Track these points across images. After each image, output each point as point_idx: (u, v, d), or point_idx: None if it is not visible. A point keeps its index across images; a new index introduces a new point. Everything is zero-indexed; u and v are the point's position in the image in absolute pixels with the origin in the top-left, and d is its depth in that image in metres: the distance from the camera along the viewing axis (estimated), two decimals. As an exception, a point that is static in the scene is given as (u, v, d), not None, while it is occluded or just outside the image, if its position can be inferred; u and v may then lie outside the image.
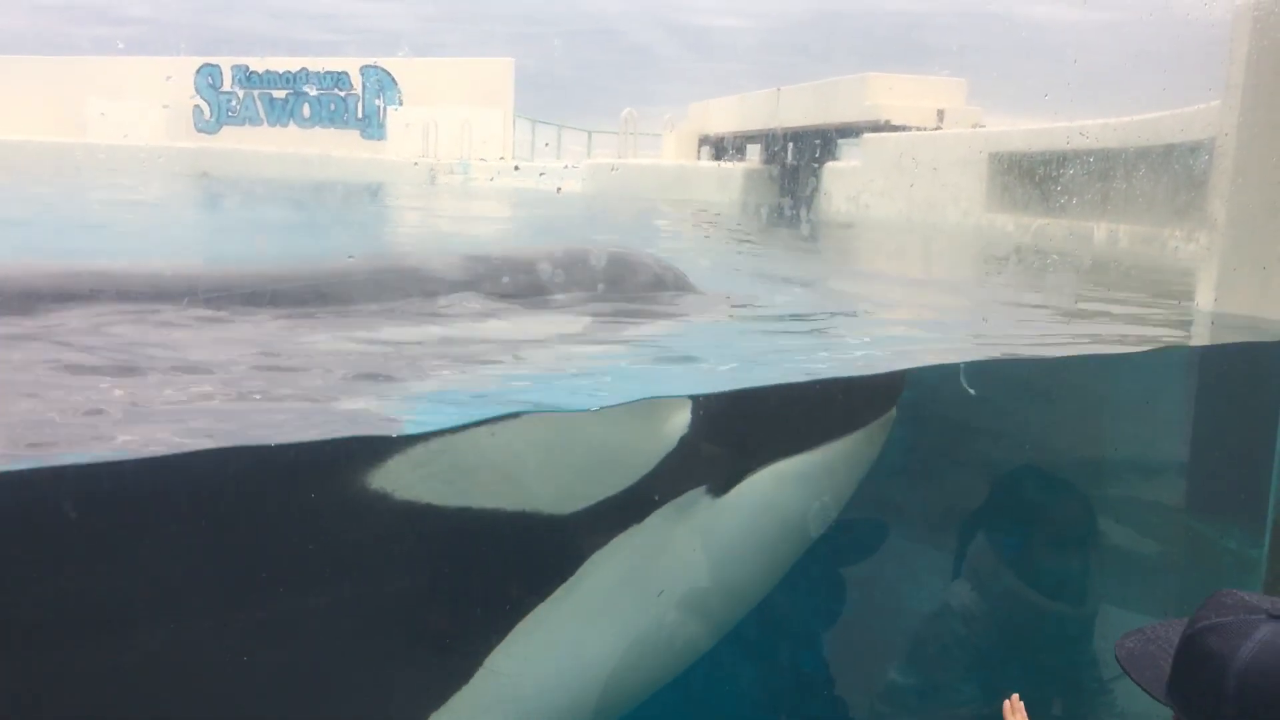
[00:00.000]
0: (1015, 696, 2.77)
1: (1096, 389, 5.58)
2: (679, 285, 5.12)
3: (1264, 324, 4.81)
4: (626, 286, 4.84)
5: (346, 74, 28.91)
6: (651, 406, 3.70)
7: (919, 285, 7.21)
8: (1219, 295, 4.94)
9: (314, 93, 29.10)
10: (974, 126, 13.08)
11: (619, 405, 3.64)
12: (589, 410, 3.58)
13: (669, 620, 3.91)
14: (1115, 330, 5.38)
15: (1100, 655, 5.23)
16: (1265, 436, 4.79)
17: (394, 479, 3.23)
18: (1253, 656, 2.10)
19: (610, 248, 5.34)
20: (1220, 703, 2.11)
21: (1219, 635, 2.16)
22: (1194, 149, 5.29)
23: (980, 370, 4.92)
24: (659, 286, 4.98)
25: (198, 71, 28.66)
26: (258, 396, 3.51)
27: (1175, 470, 5.58)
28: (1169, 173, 5.75)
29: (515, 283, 4.65)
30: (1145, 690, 2.28)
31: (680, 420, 3.69)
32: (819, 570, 4.86)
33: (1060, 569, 5.32)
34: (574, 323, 4.50)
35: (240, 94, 29.29)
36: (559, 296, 4.63)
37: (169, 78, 25.76)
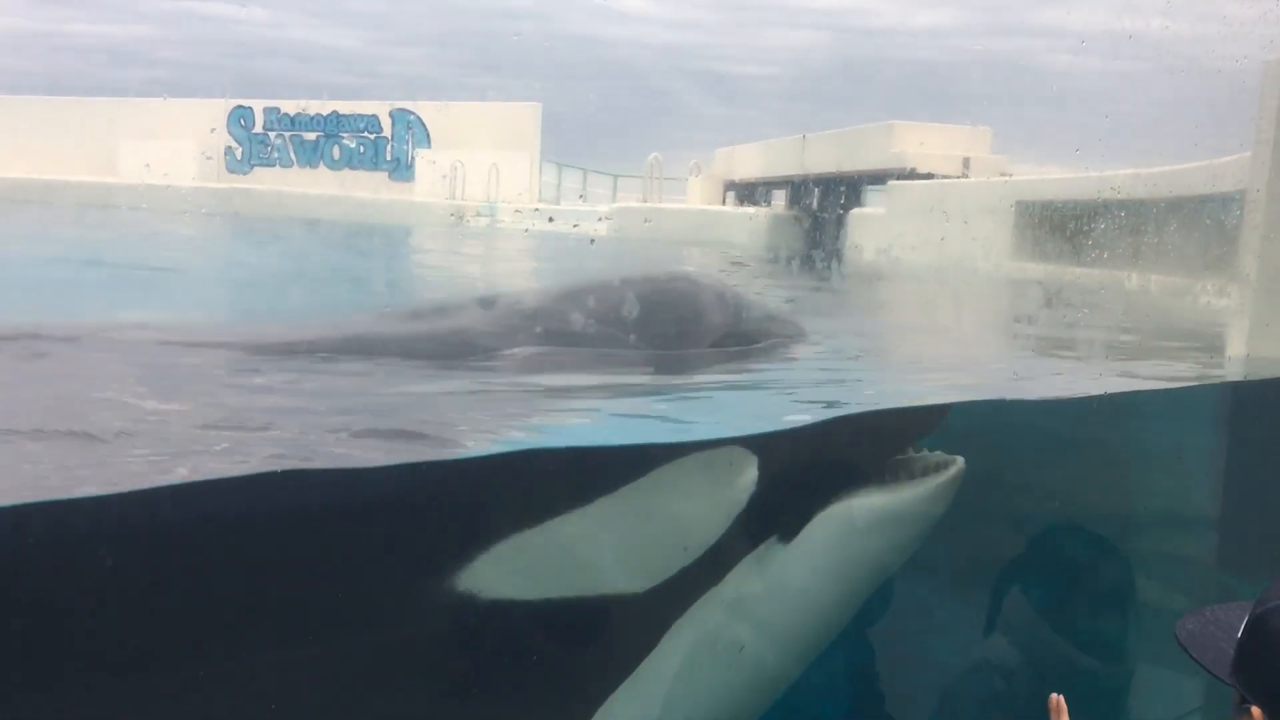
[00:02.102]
0: (1059, 697, 2.75)
1: (1125, 441, 5.55)
2: (746, 312, 5.07)
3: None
4: (698, 316, 4.77)
5: (376, 117, 29.29)
6: (720, 464, 3.70)
7: (947, 335, 7.20)
8: (1250, 351, 4.91)
9: (344, 135, 29.49)
10: (999, 175, 13.10)
11: (692, 462, 3.65)
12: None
13: (751, 673, 3.91)
14: (1146, 379, 5.35)
15: (1131, 713, 5.16)
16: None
17: (476, 577, 3.27)
18: None
19: (680, 277, 5.33)
20: None
21: None
22: (1225, 202, 5.27)
23: (1009, 418, 4.91)
24: (726, 311, 4.88)
25: (230, 113, 29.12)
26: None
27: (1206, 524, 5.52)
28: (1200, 226, 5.74)
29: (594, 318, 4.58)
30: (1207, 670, 2.28)
31: (749, 475, 3.69)
32: (845, 625, 4.82)
33: (1088, 624, 5.26)
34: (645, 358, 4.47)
35: (272, 136, 29.73)
36: (632, 331, 4.54)
37: (213, 130, 26.21)
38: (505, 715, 3.40)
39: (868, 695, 5.23)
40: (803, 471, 3.96)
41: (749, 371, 4.72)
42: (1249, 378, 4.98)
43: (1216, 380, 5.28)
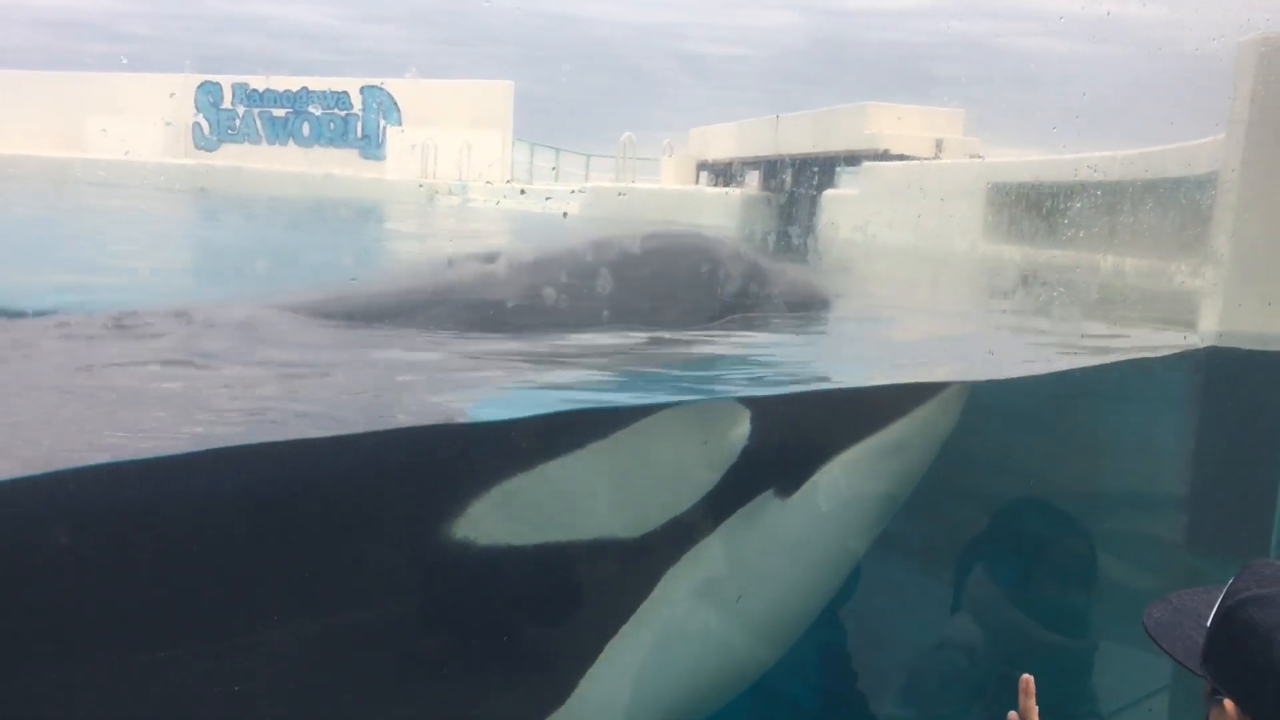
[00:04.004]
0: (1029, 678, 2.73)
1: (1095, 422, 5.57)
2: (749, 264, 4.91)
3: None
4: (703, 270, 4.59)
5: (347, 94, 28.98)
6: (712, 415, 3.68)
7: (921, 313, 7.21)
8: (1223, 331, 4.93)
9: (314, 112, 29.17)
10: (972, 157, 13.10)
11: (682, 409, 3.64)
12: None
13: (749, 625, 3.91)
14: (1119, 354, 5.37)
15: (1098, 691, 5.20)
16: (1268, 474, 4.77)
17: (475, 522, 3.26)
18: None
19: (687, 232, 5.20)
20: (1264, 676, 2.07)
21: (1262, 607, 2.12)
22: (1200, 183, 5.29)
23: (980, 398, 4.91)
24: (735, 266, 4.68)
25: (198, 88, 28.71)
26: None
27: (1175, 505, 5.56)
28: (1175, 207, 5.75)
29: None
30: (1178, 661, 2.26)
31: (742, 426, 3.67)
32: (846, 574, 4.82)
33: (1056, 604, 5.29)
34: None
35: (240, 112, 29.37)
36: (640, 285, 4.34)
37: (173, 94, 25.84)
38: (501, 663, 3.41)
39: (839, 673, 5.25)
40: (803, 424, 3.94)
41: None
42: (1220, 357, 5.00)
43: (1188, 359, 5.30)
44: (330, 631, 3.21)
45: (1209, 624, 2.22)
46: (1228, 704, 2.12)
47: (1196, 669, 2.22)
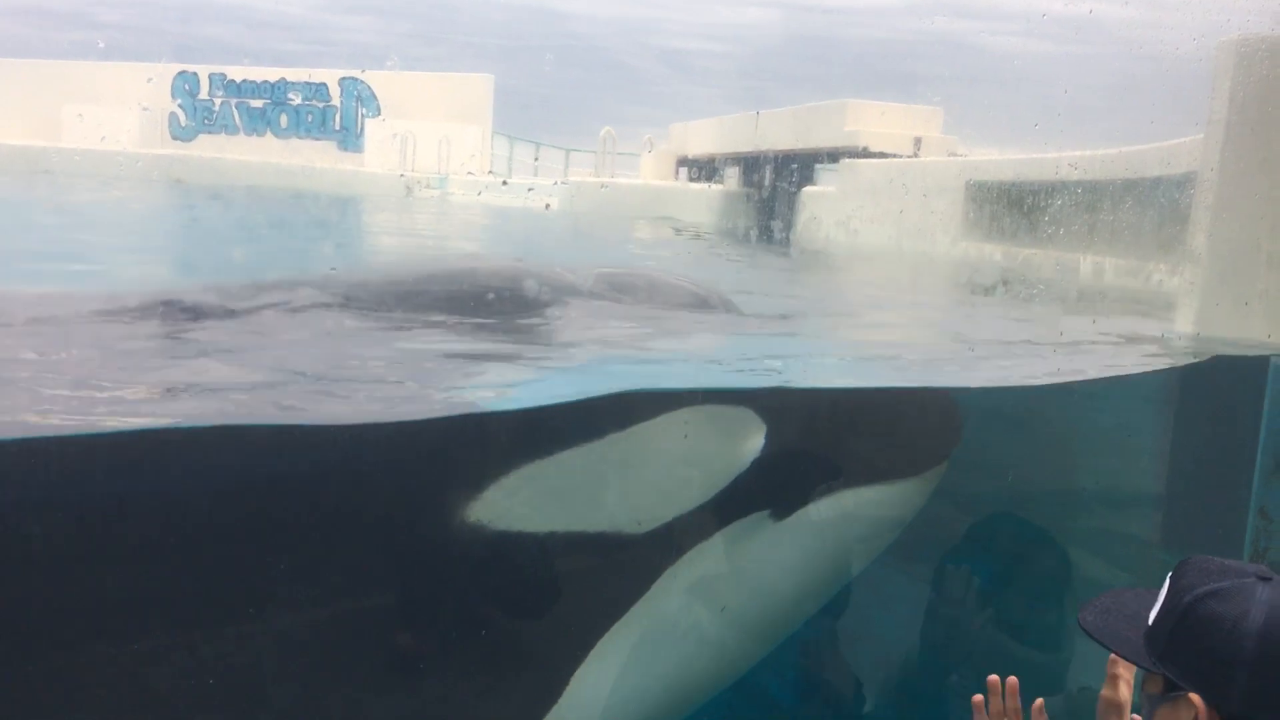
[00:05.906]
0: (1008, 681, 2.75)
1: (1072, 420, 5.58)
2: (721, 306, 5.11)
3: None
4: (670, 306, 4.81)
5: (325, 85, 28.81)
6: (728, 425, 3.73)
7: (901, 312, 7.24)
8: (1200, 331, 4.95)
9: (292, 103, 28.99)
10: (951, 155, 13.15)
11: (698, 417, 3.69)
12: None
13: (728, 635, 3.96)
14: (1098, 360, 5.40)
15: (1070, 686, 5.21)
16: (1242, 472, 4.79)
17: (487, 508, 3.28)
18: (1265, 619, 2.11)
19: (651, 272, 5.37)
20: (1232, 667, 2.10)
21: (1222, 600, 2.16)
22: (1178, 183, 5.31)
23: (958, 397, 4.92)
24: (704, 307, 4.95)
25: (175, 78, 28.49)
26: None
27: (1150, 504, 5.58)
28: (1154, 206, 5.78)
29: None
30: (1133, 660, 2.29)
31: (754, 442, 3.73)
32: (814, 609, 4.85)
33: (1032, 601, 5.31)
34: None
35: (217, 102, 29.16)
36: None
37: (150, 79, 25.65)
38: (497, 653, 3.42)
39: (814, 668, 5.25)
40: (806, 456, 4.02)
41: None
42: (1197, 356, 5.02)
43: (1164, 359, 5.33)
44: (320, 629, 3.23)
45: (1154, 623, 2.25)
46: (1194, 698, 2.14)
47: (1149, 666, 2.24)
